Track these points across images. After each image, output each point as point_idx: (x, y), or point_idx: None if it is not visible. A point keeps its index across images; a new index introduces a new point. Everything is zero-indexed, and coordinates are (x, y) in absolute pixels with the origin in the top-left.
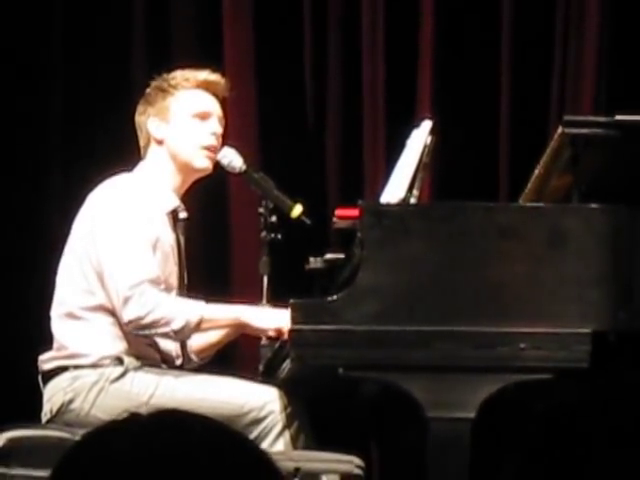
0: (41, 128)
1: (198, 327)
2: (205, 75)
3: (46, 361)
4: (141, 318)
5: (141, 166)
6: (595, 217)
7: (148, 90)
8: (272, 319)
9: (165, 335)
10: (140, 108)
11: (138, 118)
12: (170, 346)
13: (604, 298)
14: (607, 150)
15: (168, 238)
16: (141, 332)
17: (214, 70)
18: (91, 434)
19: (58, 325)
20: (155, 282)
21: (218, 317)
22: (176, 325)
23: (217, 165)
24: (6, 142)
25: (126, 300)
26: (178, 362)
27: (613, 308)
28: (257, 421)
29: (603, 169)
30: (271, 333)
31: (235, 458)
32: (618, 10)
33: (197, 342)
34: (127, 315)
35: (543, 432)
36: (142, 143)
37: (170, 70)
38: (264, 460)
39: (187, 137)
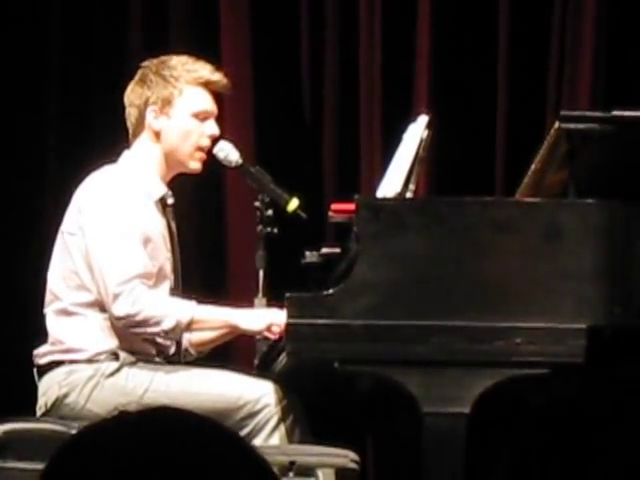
0: (38, 107)
1: (188, 328)
2: (209, 74)
3: (41, 355)
4: (131, 316)
5: (127, 155)
6: (591, 212)
7: (145, 72)
8: (261, 320)
9: (155, 334)
10: (136, 89)
11: (134, 99)
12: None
13: (600, 293)
14: (604, 145)
15: (159, 226)
16: (130, 329)
17: (216, 67)
18: (81, 433)
19: (53, 321)
20: (145, 277)
21: (208, 319)
22: (166, 325)
23: (213, 158)
24: (4, 133)
25: (116, 297)
26: (171, 351)
27: (609, 303)
28: (252, 414)
29: (599, 164)
30: (264, 334)
31: (226, 457)
32: (615, 5)
33: (196, 336)
34: (117, 312)
35: (538, 426)
36: (132, 124)
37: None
38: (256, 459)
39: (186, 137)
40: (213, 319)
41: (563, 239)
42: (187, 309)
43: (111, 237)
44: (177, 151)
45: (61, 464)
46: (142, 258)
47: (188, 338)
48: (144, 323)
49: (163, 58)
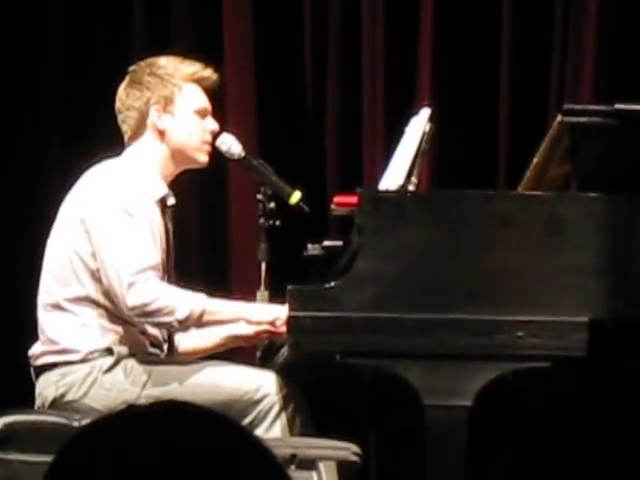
0: (40, 107)
1: (200, 319)
2: (201, 70)
3: (36, 357)
4: (146, 305)
5: (130, 152)
6: (593, 206)
7: (137, 75)
8: (269, 311)
9: (167, 324)
10: (133, 92)
11: (132, 102)
12: (156, 331)
13: (602, 287)
14: (606, 139)
15: (158, 226)
16: (143, 319)
17: (205, 63)
18: (90, 425)
19: (45, 317)
20: (157, 269)
21: (219, 310)
22: (180, 315)
23: (215, 151)
24: (5, 125)
25: (130, 286)
26: (164, 348)
27: (611, 297)
28: (253, 404)
29: (602, 158)
30: (268, 327)
31: (233, 448)
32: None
33: (185, 345)
34: (131, 300)
35: (540, 420)
36: (131, 127)
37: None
38: (262, 450)
39: (192, 133)
40: (223, 311)
41: (565, 233)
42: (200, 300)
43: (123, 229)
44: (185, 147)
45: (69, 457)
46: (154, 250)
47: (176, 346)
48: (158, 312)
49: (150, 60)
